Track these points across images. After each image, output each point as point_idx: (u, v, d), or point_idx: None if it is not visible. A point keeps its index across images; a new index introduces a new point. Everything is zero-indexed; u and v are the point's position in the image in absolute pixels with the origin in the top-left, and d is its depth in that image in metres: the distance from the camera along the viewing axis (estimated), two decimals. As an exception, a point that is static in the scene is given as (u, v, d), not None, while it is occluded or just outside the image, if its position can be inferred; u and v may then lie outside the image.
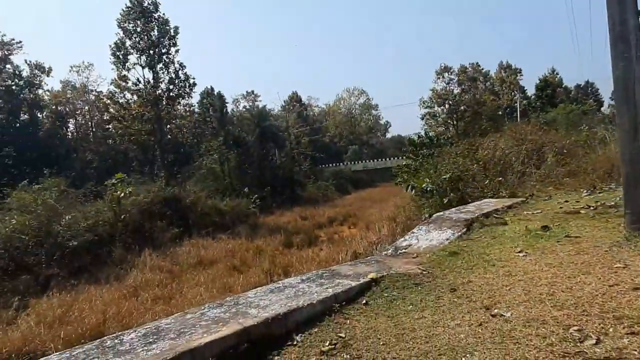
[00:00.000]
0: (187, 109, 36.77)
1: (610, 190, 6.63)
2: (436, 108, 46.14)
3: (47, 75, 44.22)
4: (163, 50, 28.83)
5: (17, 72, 41.36)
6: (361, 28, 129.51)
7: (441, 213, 5.58)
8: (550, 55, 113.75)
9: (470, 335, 2.52)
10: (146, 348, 2.57)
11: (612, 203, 5.39)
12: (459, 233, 4.77)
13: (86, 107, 54.13)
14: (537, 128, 10.77)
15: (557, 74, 58.64)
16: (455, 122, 43.70)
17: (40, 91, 45.15)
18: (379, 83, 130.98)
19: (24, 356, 7.80)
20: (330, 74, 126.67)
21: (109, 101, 34.40)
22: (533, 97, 53.74)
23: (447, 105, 44.91)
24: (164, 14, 29.62)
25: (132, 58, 28.33)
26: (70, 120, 52.69)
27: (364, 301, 3.40)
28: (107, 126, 52.31)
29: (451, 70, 44.69)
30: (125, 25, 27.96)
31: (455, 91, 44.85)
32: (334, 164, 54.82)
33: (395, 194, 37.14)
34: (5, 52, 40.46)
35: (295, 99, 67.79)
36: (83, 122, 55.59)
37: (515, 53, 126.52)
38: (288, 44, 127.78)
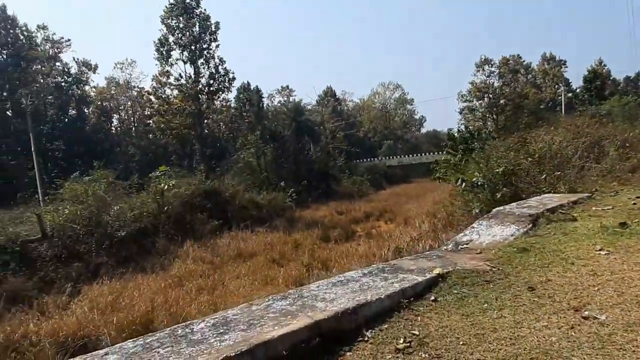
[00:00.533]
0: (225, 104, 37.30)
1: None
2: (475, 102, 44.76)
3: (94, 72, 46.17)
4: (204, 46, 29.39)
5: (66, 70, 43.27)
6: (396, 20, 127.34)
7: (501, 208, 5.31)
8: (597, 46, 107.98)
9: (562, 339, 2.32)
10: (218, 339, 2.53)
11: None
12: (525, 229, 4.52)
13: (129, 103, 56.17)
14: (594, 121, 10.16)
15: (605, 65, 55.70)
16: (495, 116, 42.21)
17: (87, 87, 47.12)
18: (413, 76, 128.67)
19: (79, 340, 8.11)
20: (364, 68, 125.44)
21: (152, 96, 35.43)
22: (579, 89, 51.24)
23: (486, 99, 43.43)
24: (205, 10, 30.35)
25: (175, 54, 29.17)
26: (114, 115, 54.86)
27: (432, 297, 3.25)
28: (148, 121, 54.15)
29: (492, 63, 43.20)
30: (168, 21, 28.71)
31: (496, 84, 43.32)
32: (368, 159, 54.36)
33: (432, 190, 36.45)
34: (56, 50, 42.45)
35: (329, 93, 67.67)
36: (125, 117, 57.78)
37: (559, 44, 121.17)
38: (322, 38, 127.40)
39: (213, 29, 29.79)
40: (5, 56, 36.99)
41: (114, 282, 11.43)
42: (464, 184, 7.95)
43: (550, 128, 9.95)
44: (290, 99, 63.83)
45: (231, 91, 32.96)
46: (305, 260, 13.55)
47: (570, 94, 50.84)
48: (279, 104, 60.90)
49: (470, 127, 28.43)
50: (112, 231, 13.80)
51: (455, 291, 3.31)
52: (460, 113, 46.74)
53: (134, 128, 56.81)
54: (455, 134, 23.47)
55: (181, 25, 28.51)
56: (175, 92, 30.15)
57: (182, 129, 31.04)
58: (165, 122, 31.47)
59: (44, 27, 41.91)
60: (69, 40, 43.77)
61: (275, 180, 29.09)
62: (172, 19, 28.56)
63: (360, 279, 3.55)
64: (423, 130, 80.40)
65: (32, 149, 25.32)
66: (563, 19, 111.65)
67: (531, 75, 58.38)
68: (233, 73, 31.65)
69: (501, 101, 42.15)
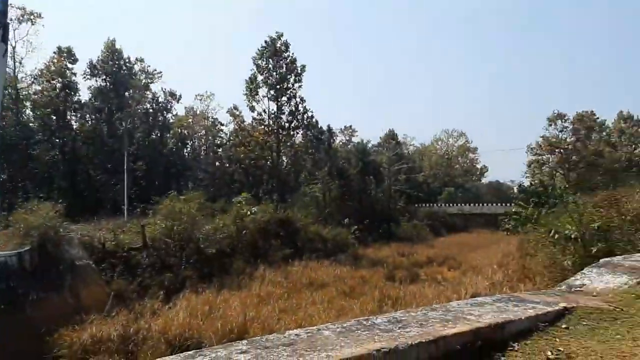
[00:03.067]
0: (302, 139, 39.53)
1: None
2: (545, 156, 43.66)
3: (178, 102, 50.56)
4: (288, 85, 31.87)
5: (155, 98, 47.96)
6: (463, 68, 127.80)
7: (609, 259, 5.66)
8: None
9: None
10: (400, 331, 3.21)
11: None
12: (637, 279, 4.87)
13: (202, 131, 60.45)
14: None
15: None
16: (567, 172, 40.84)
17: (169, 115, 51.64)
18: (477, 125, 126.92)
19: (184, 341, 9.07)
20: (427, 115, 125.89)
21: (227, 127, 38.23)
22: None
23: (557, 154, 42.26)
24: (292, 54, 33.32)
25: (261, 91, 31.87)
26: (188, 142, 59.18)
27: (564, 326, 3.73)
28: (218, 149, 57.76)
29: (565, 118, 42.28)
30: (258, 62, 31.71)
31: (569, 140, 42.16)
32: (427, 205, 53.95)
33: (494, 242, 35.50)
34: (148, 80, 47.32)
35: (391, 136, 68.69)
36: (198, 144, 62.06)
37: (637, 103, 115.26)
38: (389, 80, 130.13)
39: (299, 71, 32.37)
40: (108, 83, 41.95)
41: (206, 294, 12.47)
42: (557, 235, 8.23)
43: (643, 189, 10.00)
44: (353, 139, 65.54)
45: (309, 129, 35.02)
46: (377, 296, 13.97)
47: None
48: (340, 143, 62.82)
49: (544, 181, 27.84)
50: (203, 248, 15.10)
51: (584, 323, 3.78)
52: (529, 166, 45.64)
53: (203, 155, 60.87)
54: (528, 187, 23.33)
55: (270, 66, 31.29)
56: (259, 125, 32.71)
57: (260, 160, 33.18)
58: (245, 152, 33.84)
59: (141, 60, 47.14)
60: (160, 72, 48.75)
61: (339, 216, 29.89)
62: (263, 60, 31.47)
63: (494, 303, 4.11)
64: (484, 180, 78.59)
65: (125, 167, 28.04)
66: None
67: (605, 133, 56.09)
68: (312, 112, 33.98)
69: (573, 157, 40.87)
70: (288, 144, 34.99)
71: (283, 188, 38.80)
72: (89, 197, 35.97)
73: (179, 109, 56.87)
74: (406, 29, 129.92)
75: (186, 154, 58.22)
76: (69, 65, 40.89)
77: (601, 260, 5.52)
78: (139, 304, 12.08)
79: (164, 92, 49.66)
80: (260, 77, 31.68)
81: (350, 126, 68.80)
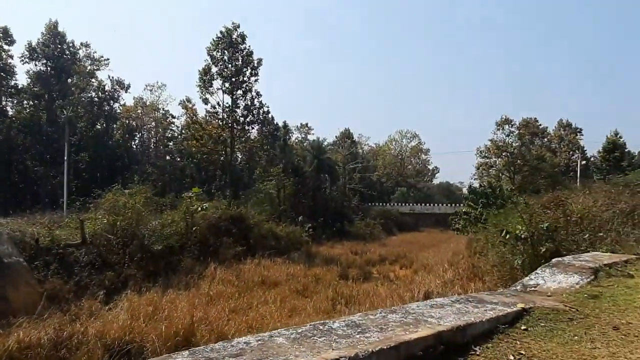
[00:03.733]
0: (257, 134, 38.72)
1: None
2: (493, 159, 45.71)
3: (126, 91, 48.11)
4: (244, 79, 30.97)
5: (101, 86, 45.21)
6: (418, 71, 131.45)
7: (560, 259, 5.77)
8: (613, 117, 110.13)
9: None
10: (359, 336, 2.97)
11: None
12: (588, 279, 4.95)
13: (152, 123, 57.98)
14: (629, 190, 10.67)
15: (621, 137, 56.80)
16: (512, 175, 42.98)
17: (116, 105, 49.00)
18: (428, 127, 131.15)
19: (123, 345, 8.40)
20: (383, 115, 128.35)
21: (178, 120, 36.80)
22: (593, 158, 52.13)
23: (504, 157, 44.38)
24: (249, 46, 32.24)
25: (216, 83, 30.75)
26: (136, 134, 56.51)
27: (523, 327, 3.65)
28: (168, 143, 55.66)
29: (512, 123, 44.49)
30: (213, 53, 30.50)
31: (515, 144, 44.39)
32: (380, 204, 54.90)
33: (444, 240, 36.73)
34: (94, 67, 44.58)
35: (346, 135, 69.28)
36: (147, 137, 59.47)
37: (575, 112, 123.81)
38: (345, 80, 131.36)
39: (255, 65, 31.55)
40: (49, 68, 38.98)
41: (151, 294, 11.75)
42: (508, 235, 8.40)
43: (585, 191, 10.49)
44: (309, 137, 65.45)
45: (265, 124, 34.36)
46: (330, 295, 13.82)
47: (584, 162, 51.69)
48: (296, 140, 62.47)
49: (493, 183, 29.01)
50: (148, 245, 14.25)
51: (542, 324, 3.73)
52: (478, 168, 47.57)
53: (153, 148, 58.40)
54: (478, 189, 24.16)
55: (225, 58, 30.26)
56: (213, 119, 31.60)
57: (213, 155, 32.13)
58: (198, 146, 32.63)
59: (87, 45, 44.32)
60: (107, 59, 46.09)
61: (293, 214, 29.60)
62: (218, 51, 30.36)
63: (454, 305, 3.99)
64: (435, 181, 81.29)
65: (66, 158, 26.20)
66: (579, 86, 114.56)
67: (547, 139, 59.55)
68: (268, 107, 33.27)
69: (518, 161, 43.08)
70: (243, 139, 34.16)
71: (236, 184, 37.91)
72: (25, 189, 33.36)
73: (127, 99, 54.21)
74: (364, 30, 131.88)
75: (134, 146, 55.61)
76: (5, 47, 37.78)
77: (553, 260, 5.62)
78: (75, 305, 11.16)
79: (111, 80, 47.09)
80: (214, 69, 30.65)
81: (307, 124, 68.70)
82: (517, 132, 44.44)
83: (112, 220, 14.45)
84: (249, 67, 31.17)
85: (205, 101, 30.82)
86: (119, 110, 51.07)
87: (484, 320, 3.51)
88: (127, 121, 51.52)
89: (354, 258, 24.09)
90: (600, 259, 5.87)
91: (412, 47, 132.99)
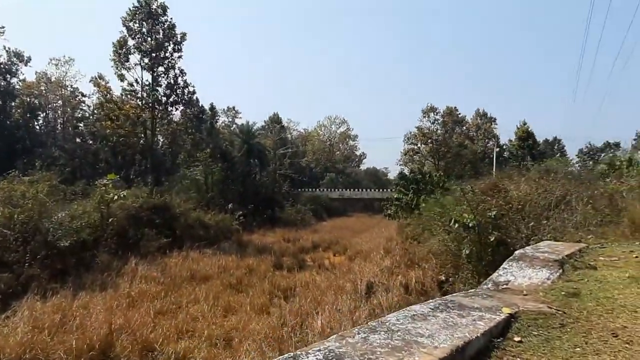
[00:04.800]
0: (181, 117, 35.89)
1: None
2: (419, 145, 47.42)
3: (25, 65, 42.63)
4: (166, 55, 28.22)
5: (-7, 57, 39.33)
6: (352, 58, 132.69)
7: (523, 251, 5.54)
8: (521, 107, 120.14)
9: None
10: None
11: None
12: (557, 273, 4.71)
13: (59, 102, 52.06)
14: (551, 177, 11.09)
15: (528, 127, 62.00)
16: (437, 161, 44.95)
17: (14, 80, 43.07)
18: (355, 114, 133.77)
19: (24, 365, 6.99)
20: (311, 100, 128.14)
21: (89, 98, 33.12)
22: (507, 145, 56.35)
23: (429, 144, 46.24)
24: (171, 19, 29.43)
25: (133, 58, 27.58)
26: (40, 113, 50.38)
27: (516, 338, 3.20)
28: (79, 124, 50.44)
29: (437, 111, 46.32)
30: (130, 24, 27.26)
31: (439, 131, 46.37)
32: (310, 189, 54.78)
33: (373, 226, 37.43)
34: (-15, 35, 38.54)
35: (275, 120, 67.93)
36: (53, 117, 53.36)
37: (489, 102, 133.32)
38: (273, 63, 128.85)
39: (178, 39, 28.81)
40: None
41: (58, 298, 10.10)
42: (457, 224, 8.22)
43: (519, 178, 10.74)
44: (237, 121, 63.18)
45: (190, 105, 31.87)
46: (267, 288, 13.06)
47: (497, 149, 55.69)
48: (223, 125, 59.92)
49: (422, 169, 29.82)
50: (53, 240, 12.30)
51: (535, 333, 3.30)
52: (405, 154, 49.10)
53: (60, 129, 52.58)
54: (408, 175, 24.59)
55: (144, 30, 27.27)
56: (130, 98, 28.47)
57: (131, 137, 29.16)
58: (113, 127, 29.38)
59: (-25, 9, 38.11)
60: (2, 27, 40.02)
61: (221, 201, 28.14)
62: (135, 22, 27.21)
63: (436, 314, 3.43)
64: (362, 167, 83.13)
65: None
66: (494, 77, 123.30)
67: (465, 128, 63.25)
68: (193, 87, 30.82)
69: (442, 148, 45.13)
70: (165, 121, 31.50)
71: (158, 170, 35.20)
72: None
73: (28, 74, 47.89)
74: (294, 14, 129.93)
75: (37, 127, 49.56)
76: None
77: (517, 253, 5.38)
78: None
79: (7, 51, 41.11)
80: (131, 42, 27.45)
81: (234, 107, 66.23)
82: (441, 119, 46.49)
83: (8, 212, 12.26)
84: (171, 42, 28.47)
85: (121, 78, 27.74)
86: (17, 87, 45.01)
87: (479, 335, 2.99)
88: (27, 99, 45.61)
89: (287, 246, 23.51)
90: (558, 249, 5.75)
91: (343, 32, 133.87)
